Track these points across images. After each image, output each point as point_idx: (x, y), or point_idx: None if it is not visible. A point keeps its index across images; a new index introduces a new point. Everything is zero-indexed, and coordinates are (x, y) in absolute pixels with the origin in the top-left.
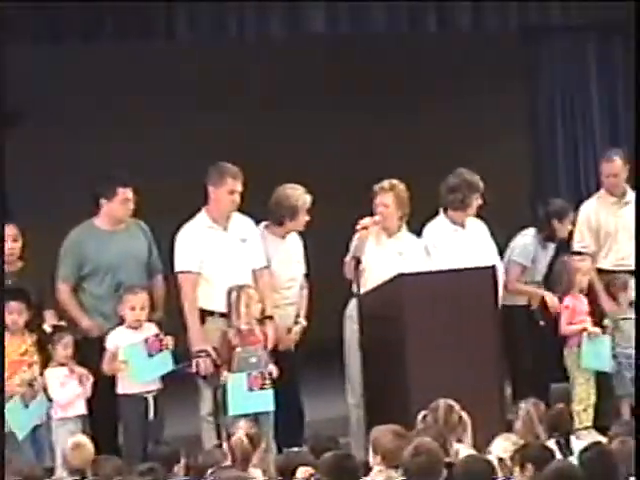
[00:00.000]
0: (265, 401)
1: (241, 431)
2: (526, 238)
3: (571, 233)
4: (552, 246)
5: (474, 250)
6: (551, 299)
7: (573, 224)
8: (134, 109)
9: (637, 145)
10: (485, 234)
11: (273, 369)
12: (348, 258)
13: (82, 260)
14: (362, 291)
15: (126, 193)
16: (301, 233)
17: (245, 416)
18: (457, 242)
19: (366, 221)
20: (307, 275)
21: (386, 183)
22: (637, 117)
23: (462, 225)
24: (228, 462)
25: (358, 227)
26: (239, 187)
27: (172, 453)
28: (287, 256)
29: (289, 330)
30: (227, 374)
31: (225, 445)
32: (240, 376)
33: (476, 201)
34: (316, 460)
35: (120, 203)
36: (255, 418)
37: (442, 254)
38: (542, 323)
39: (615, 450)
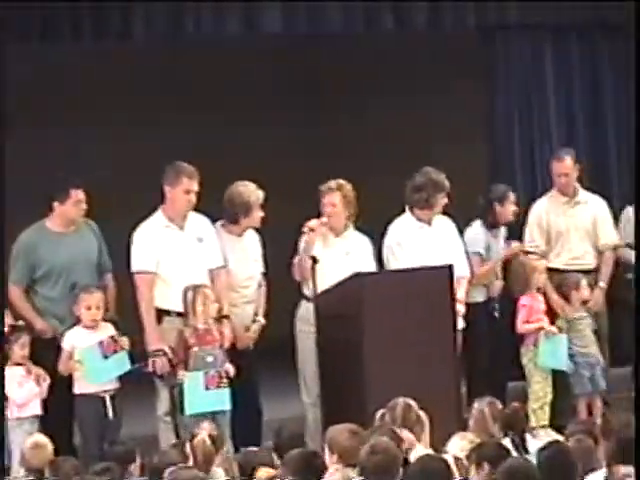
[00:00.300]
0: (222, 400)
1: (204, 432)
2: (473, 228)
3: (524, 225)
4: (503, 233)
5: (440, 247)
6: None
7: (517, 204)
8: (96, 108)
9: (637, 146)
10: (452, 232)
11: (230, 368)
12: (297, 259)
13: (35, 263)
14: (314, 291)
15: (78, 195)
16: (258, 231)
17: (202, 415)
18: (423, 239)
19: (313, 223)
20: (265, 273)
21: (333, 183)
22: (637, 117)
23: (428, 223)
24: (184, 463)
25: (305, 229)
26: (195, 187)
27: (127, 453)
28: (244, 254)
29: (247, 328)
30: (184, 373)
31: (187, 446)
32: (197, 375)
33: (442, 200)
34: (276, 459)
35: (73, 205)
36: (212, 417)
37: (407, 252)
38: (496, 314)
39: (572, 448)
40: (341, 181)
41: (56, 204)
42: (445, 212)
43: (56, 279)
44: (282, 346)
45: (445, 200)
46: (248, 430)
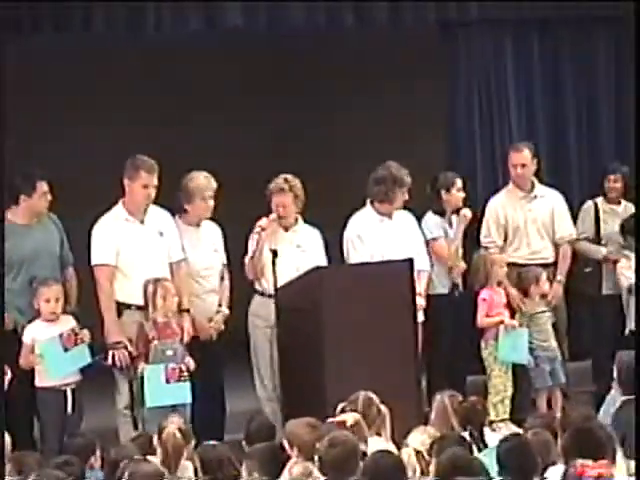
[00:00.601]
0: (182, 394)
1: (172, 425)
2: (427, 217)
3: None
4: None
5: (401, 241)
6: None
7: (459, 191)
8: (52, 107)
9: (637, 147)
10: (413, 226)
11: (190, 362)
12: (248, 258)
13: None
14: (264, 286)
15: (43, 187)
16: (220, 224)
17: (162, 408)
18: (383, 233)
19: (263, 222)
20: (228, 265)
21: (283, 183)
22: (637, 117)
23: (389, 216)
24: (143, 456)
25: (257, 230)
26: (154, 181)
27: (87, 445)
28: (201, 244)
29: (210, 319)
30: (144, 366)
31: (155, 439)
32: (157, 368)
33: (402, 195)
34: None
35: (39, 197)
36: (173, 411)
37: (368, 245)
38: (457, 294)
39: (532, 442)
40: (289, 178)
41: (22, 197)
42: (407, 208)
43: (17, 271)
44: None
45: (405, 196)
46: (211, 423)
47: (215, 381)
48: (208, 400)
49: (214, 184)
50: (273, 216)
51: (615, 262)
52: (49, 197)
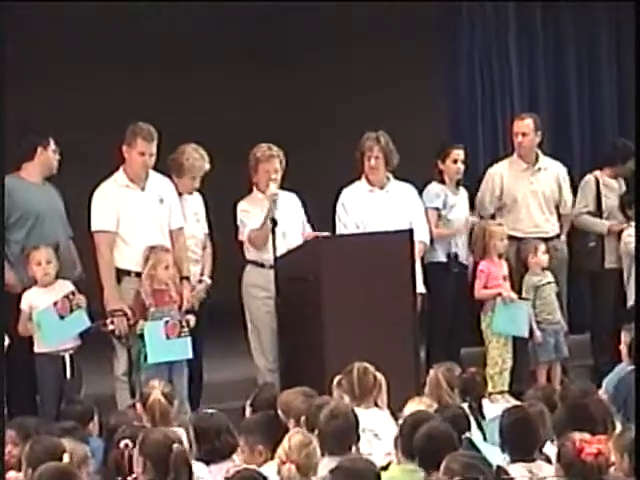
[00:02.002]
0: (183, 349)
1: (156, 391)
2: (429, 187)
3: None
4: (464, 193)
5: (391, 212)
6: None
7: (455, 162)
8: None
9: (637, 144)
10: (410, 197)
11: (191, 318)
12: (252, 230)
13: (10, 209)
14: (264, 257)
15: (53, 143)
16: (202, 193)
17: (159, 372)
18: (371, 203)
19: (273, 190)
20: (210, 235)
21: (269, 149)
22: (637, 117)
23: (380, 187)
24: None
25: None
26: (152, 149)
27: (85, 412)
28: (185, 213)
29: (192, 288)
30: (143, 322)
31: (139, 407)
32: (157, 324)
33: (366, 161)
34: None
35: (53, 151)
36: (170, 380)
37: (353, 216)
38: (455, 270)
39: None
40: (272, 146)
41: (39, 149)
42: (406, 179)
43: (30, 228)
44: (230, 310)
45: (370, 161)
46: (188, 392)
47: (195, 350)
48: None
49: (207, 166)
50: (273, 187)
51: (620, 232)
52: (58, 155)
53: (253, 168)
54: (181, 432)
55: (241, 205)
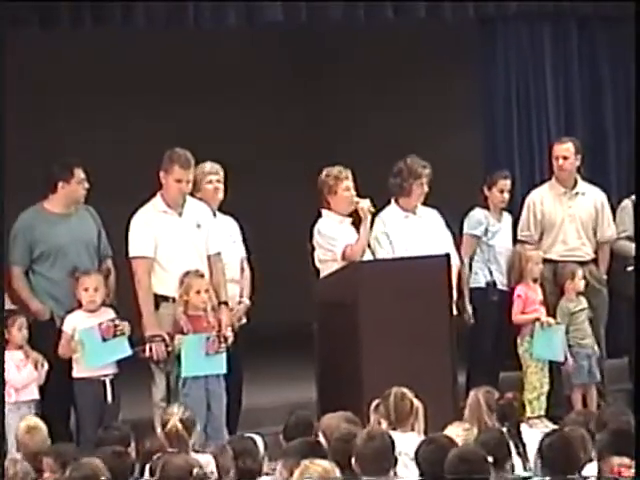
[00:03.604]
0: (219, 364)
1: (175, 417)
2: (472, 212)
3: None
4: (506, 219)
5: (426, 237)
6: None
7: (502, 191)
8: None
9: (637, 145)
10: (439, 222)
11: (229, 333)
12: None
13: (32, 242)
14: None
15: (81, 173)
16: (237, 219)
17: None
18: (409, 229)
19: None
20: (248, 258)
21: (338, 171)
22: (637, 116)
23: (413, 212)
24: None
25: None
26: (188, 176)
27: (123, 437)
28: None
29: (231, 310)
30: (181, 337)
31: (159, 432)
32: (198, 338)
33: (418, 188)
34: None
35: (77, 183)
36: (208, 407)
37: (394, 241)
38: (494, 298)
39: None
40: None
41: (61, 184)
42: (430, 205)
43: (54, 260)
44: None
45: (423, 188)
46: (227, 417)
47: (234, 374)
48: (227, 393)
49: (219, 169)
50: (368, 202)
51: None
52: (86, 185)
53: (330, 188)
54: (208, 458)
55: (327, 223)
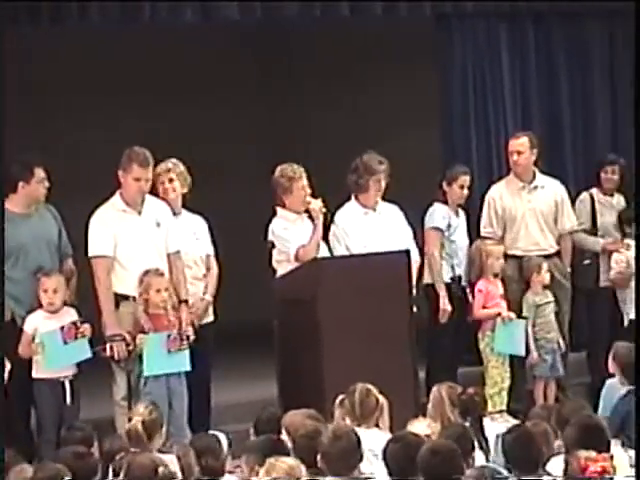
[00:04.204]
0: (181, 361)
1: (137, 418)
2: (433, 207)
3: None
4: (462, 215)
5: (386, 234)
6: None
7: (462, 187)
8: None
9: (637, 145)
10: (399, 218)
11: (190, 331)
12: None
13: None
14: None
15: (41, 173)
16: (205, 217)
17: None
18: (367, 225)
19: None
20: (216, 256)
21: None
22: (637, 116)
23: (373, 209)
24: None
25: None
26: (147, 175)
27: (85, 437)
28: (180, 232)
29: (191, 306)
30: (143, 336)
31: (122, 432)
32: (159, 337)
33: (375, 184)
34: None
35: (37, 183)
36: (169, 404)
37: (353, 238)
38: (458, 294)
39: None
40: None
41: (21, 184)
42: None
43: (15, 259)
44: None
45: (380, 184)
46: (196, 416)
47: (202, 371)
48: (193, 391)
49: (174, 167)
50: (319, 203)
51: (611, 253)
52: (47, 184)
53: (285, 188)
54: (170, 458)
55: (281, 224)
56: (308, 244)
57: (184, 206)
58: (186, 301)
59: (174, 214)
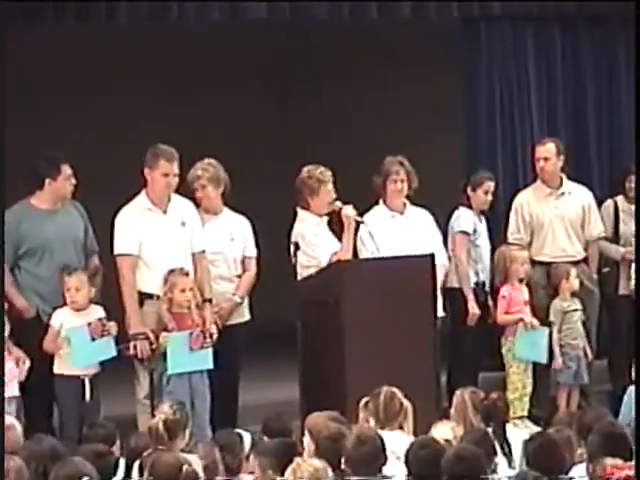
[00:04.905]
0: (204, 359)
1: (161, 416)
2: (459, 211)
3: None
4: (484, 220)
5: (414, 237)
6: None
7: (486, 193)
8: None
9: (637, 143)
10: (428, 222)
11: (213, 329)
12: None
13: (18, 239)
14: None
15: (67, 170)
16: (249, 218)
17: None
18: (394, 229)
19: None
20: (257, 258)
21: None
22: (637, 115)
23: (400, 212)
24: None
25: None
26: (174, 169)
27: (108, 435)
28: (213, 230)
29: (216, 306)
30: (166, 334)
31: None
32: (182, 335)
33: (391, 184)
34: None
35: (64, 179)
36: (192, 404)
37: (379, 242)
38: (482, 299)
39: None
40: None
41: (47, 180)
42: (425, 204)
43: (40, 256)
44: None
45: (396, 185)
46: (222, 416)
47: (230, 372)
48: (221, 391)
49: (198, 174)
50: (353, 210)
51: (632, 262)
52: (73, 181)
53: (313, 190)
54: (192, 458)
55: (311, 229)
56: (341, 251)
57: (227, 204)
58: (210, 300)
59: (215, 214)
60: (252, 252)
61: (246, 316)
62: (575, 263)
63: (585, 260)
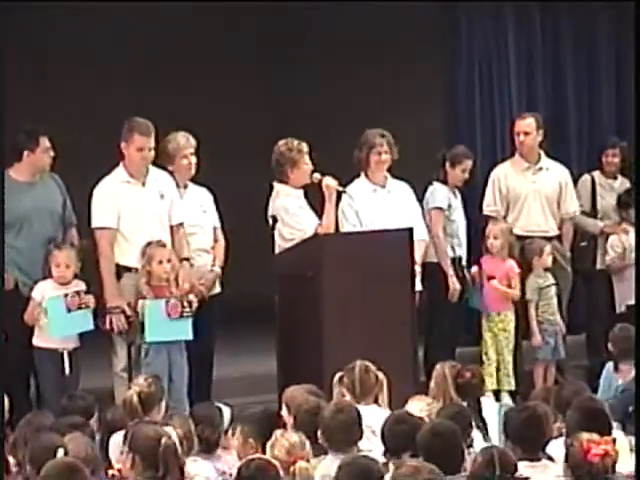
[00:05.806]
0: (183, 329)
1: (135, 388)
2: (434, 186)
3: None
4: (459, 196)
5: (395, 211)
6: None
7: (463, 171)
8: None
9: (637, 142)
10: (409, 196)
11: (193, 298)
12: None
13: None
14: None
15: (46, 142)
16: (210, 189)
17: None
18: (375, 203)
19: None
20: (222, 228)
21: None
22: (637, 115)
23: (382, 186)
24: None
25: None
26: (150, 143)
27: (87, 407)
28: (186, 204)
29: (200, 278)
30: (143, 301)
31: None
32: (158, 302)
33: (374, 156)
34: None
35: (43, 152)
36: (170, 378)
37: (361, 215)
38: (459, 274)
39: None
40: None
41: (26, 152)
42: (404, 178)
43: (19, 228)
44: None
45: (379, 157)
46: (196, 388)
47: (205, 343)
48: (196, 363)
49: (193, 142)
50: (334, 180)
51: (609, 236)
52: (52, 153)
53: (294, 162)
54: (168, 429)
55: (294, 202)
56: (325, 222)
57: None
58: (187, 259)
59: (184, 187)
60: (218, 223)
61: (218, 288)
62: (548, 239)
63: (559, 237)
